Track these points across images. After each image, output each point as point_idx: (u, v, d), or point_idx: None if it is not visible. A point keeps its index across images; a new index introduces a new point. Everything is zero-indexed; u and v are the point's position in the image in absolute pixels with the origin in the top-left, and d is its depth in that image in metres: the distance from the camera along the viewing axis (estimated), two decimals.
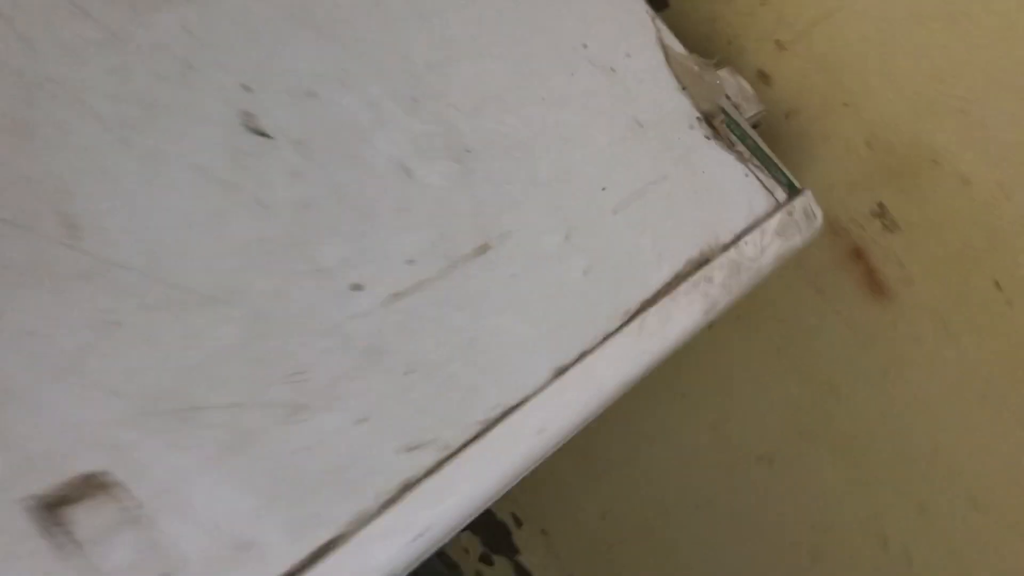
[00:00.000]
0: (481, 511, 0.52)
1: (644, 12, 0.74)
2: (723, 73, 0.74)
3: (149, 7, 0.56)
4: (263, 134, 0.56)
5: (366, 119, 0.59)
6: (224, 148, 0.54)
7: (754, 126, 0.73)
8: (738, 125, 0.72)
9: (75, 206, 0.49)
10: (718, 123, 0.71)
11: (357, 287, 0.54)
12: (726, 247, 0.65)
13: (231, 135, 0.55)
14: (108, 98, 0.53)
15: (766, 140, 0.73)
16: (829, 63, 0.75)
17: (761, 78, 0.79)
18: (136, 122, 0.53)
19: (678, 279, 0.63)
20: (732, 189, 0.69)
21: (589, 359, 0.57)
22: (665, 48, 0.73)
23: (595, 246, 0.62)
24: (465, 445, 0.51)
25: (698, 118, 0.71)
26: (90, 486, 0.44)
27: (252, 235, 0.53)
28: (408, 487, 0.49)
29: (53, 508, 0.42)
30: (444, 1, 0.66)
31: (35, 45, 0.53)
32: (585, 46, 0.70)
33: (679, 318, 0.62)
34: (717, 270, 0.64)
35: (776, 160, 0.71)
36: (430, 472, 0.50)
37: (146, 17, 0.56)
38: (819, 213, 0.71)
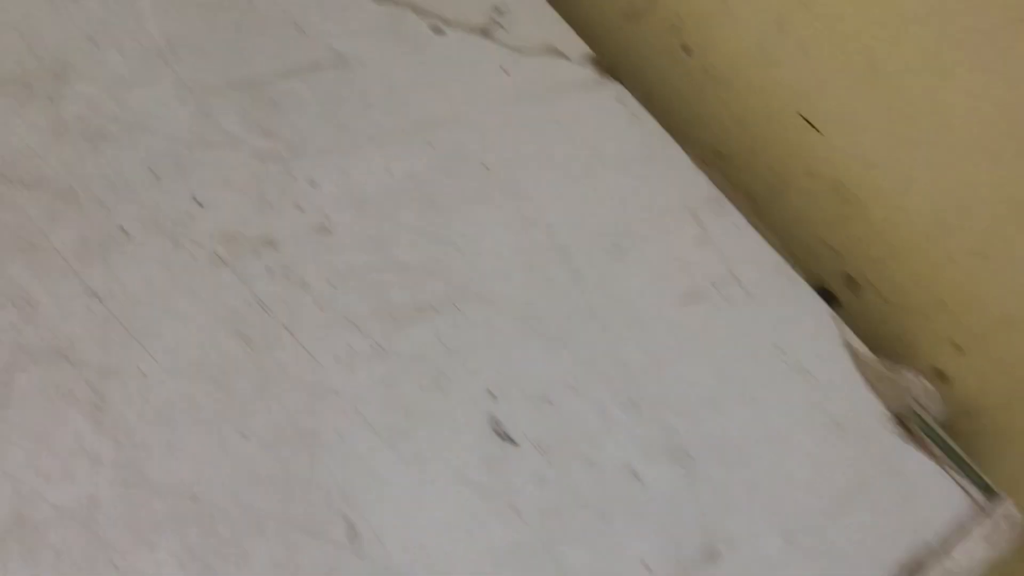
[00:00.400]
0: None
1: (826, 313, 0.80)
2: (906, 373, 0.78)
3: (407, 320, 0.64)
4: (510, 440, 0.61)
5: (595, 423, 0.64)
6: (478, 454, 0.60)
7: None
8: (929, 425, 0.75)
9: (353, 511, 0.55)
10: (910, 423, 0.75)
11: None
12: (936, 553, 0.67)
13: (483, 441, 0.60)
14: (378, 407, 0.60)
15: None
16: (1008, 364, 0.80)
17: (938, 377, 0.84)
18: (402, 430, 0.59)
19: None
20: (933, 491, 0.72)
21: None
22: (850, 349, 0.78)
23: (813, 548, 0.64)
24: None
25: (890, 419, 0.75)
26: None
27: (507, 539, 0.57)
28: None
29: None
30: (649, 312, 0.72)
31: (316, 357, 0.60)
32: (779, 348, 0.75)
33: None
34: None
35: (970, 461, 0.74)
36: None
37: (406, 329, 0.64)
38: (1019, 515, 0.73)
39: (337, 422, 0.57)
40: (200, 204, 0.62)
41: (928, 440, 0.73)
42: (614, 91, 0.86)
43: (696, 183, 0.81)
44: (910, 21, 0.73)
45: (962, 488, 0.71)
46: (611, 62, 0.89)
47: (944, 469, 0.72)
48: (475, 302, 0.65)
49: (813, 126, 0.84)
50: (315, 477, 0.54)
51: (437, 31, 0.82)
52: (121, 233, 0.59)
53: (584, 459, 0.61)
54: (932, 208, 0.80)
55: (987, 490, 0.72)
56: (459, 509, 0.56)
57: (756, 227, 0.82)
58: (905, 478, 0.71)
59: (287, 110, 0.70)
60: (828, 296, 0.89)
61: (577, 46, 0.87)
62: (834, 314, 0.80)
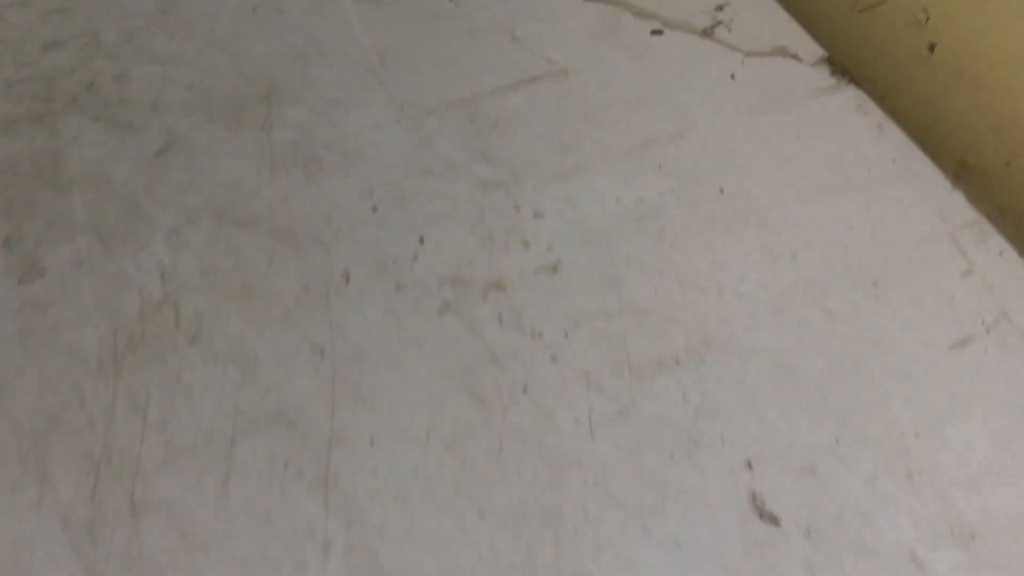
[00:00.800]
0: None
1: None
2: None
3: (649, 374, 0.56)
4: (772, 519, 0.52)
5: (867, 499, 0.55)
6: (737, 536, 0.51)
7: None
8: None
9: None
10: None
11: None
12: None
13: (742, 520, 0.52)
14: (624, 479, 0.52)
15: None
16: None
17: None
18: (653, 507, 0.51)
19: None
20: None
21: None
22: None
23: None
24: None
25: None
26: None
27: None
28: None
29: None
30: (916, 361, 0.62)
31: (555, 419, 0.52)
32: None
33: None
34: None
35: None
36: None
37: (648, 386, 0.55)
38: None
39: (582, 497, 0.49)
40: (423, 242, 0.55)
41: None
42: (853, 96, 0.75)
43: (953, 204, 0.70)
44: None
45: None
46: (844, 62, 0.78)
47: None
48: (721, 352, 0.56)
49: None
50: (562, 565, 0.47)
51: (656, 34, 0.73)
52: (343, 277, 0.52)
53: (858, 543, 0.52)
54: None
55: None
56: None
57: None
58: None
59: (507, 130, 0.62)
60: None
61: (809, 45, 0.77)
62: None
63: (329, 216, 0.54)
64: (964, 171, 0.80)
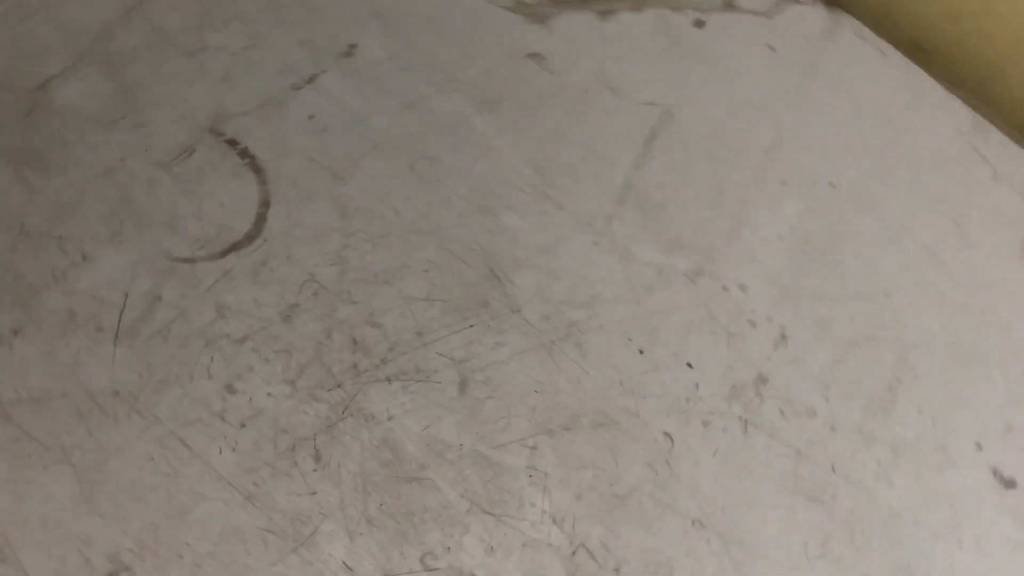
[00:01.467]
0: None
1: None
2: None
3: (888, 403, 0.64)
4: (1009, 483, 0.64)
5: None
6: (999, 519, 0.63)
7: None
8: None
9: None
10: None
11: None
12: None
13: (996, 500, 0.63)
14: (926, 506, 0.61)
15: None
16: None
17: None
18: (952, 522, 0.61)
19: None
20: None
21: None
22: None
23: None
24: None
25: None
26: None
27: None
28: None
29: None
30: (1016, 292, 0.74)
31: (865, 485, 0.60)
32: None
33: None
34: None
35: None
36: None
37: (894, 414, 0.63)
38: None
39: (924, 545, 0.58)
40: (690, 366, 0.58)
41: None
42: (849, 26, 0.81)
43: (955, 111, 0.80)
44: None
45: None
46: None
47: None
48: (916, 352, 0.65)
49: None
50: None
51: (699, 24, 0.74)
52: (667, 438, 0.55)
53: None
54: None
55: None
56: None
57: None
58: None
59: (669, 204, 0.63)
60: None
61: None
62: None
63: (619, 381, 0.55)
64: (919, 53, 0.89)
